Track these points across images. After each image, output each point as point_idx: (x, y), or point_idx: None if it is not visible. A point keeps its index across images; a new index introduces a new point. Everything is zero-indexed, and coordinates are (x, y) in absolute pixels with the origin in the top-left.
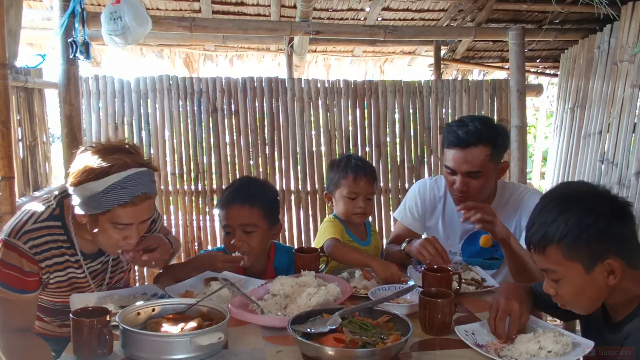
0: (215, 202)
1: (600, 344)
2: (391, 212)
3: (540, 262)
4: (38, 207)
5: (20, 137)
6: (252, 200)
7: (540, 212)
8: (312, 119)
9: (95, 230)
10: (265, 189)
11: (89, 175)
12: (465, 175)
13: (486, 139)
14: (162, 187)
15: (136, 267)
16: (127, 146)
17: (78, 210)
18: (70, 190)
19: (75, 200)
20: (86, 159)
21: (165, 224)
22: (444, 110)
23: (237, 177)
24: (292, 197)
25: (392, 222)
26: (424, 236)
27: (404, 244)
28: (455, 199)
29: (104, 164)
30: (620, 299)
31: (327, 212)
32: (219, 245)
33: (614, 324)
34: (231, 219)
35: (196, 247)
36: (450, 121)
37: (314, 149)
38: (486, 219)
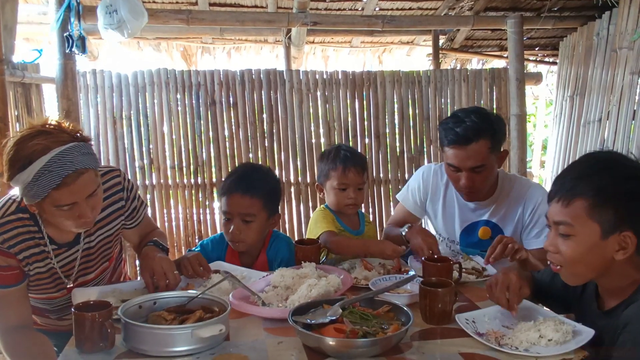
0: (215, 195)
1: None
2: (391, 203)
3: (558, 214)
4: (4, 200)
5: None
6: (253, 191)
7: (581, 164)
8: (311, 110)
9: (49, 216)
10: (268, 178)
11: (15, 167)
12: (469, 171)
13: (485, 132)
14: (162, 181)
15: (137, 262)
16: (47, 126)
17: (25, 202)
18: (12, 185)
19: (17, 192)
20: (10, 151)
21: (149, 213)
22: (442, 100)
23: None
24: (292, 189)
25: (392, 213)
26: (428, 222)
27: (405, 229)
28: (464, 197)
29: (26, 152)
30: (617, 283)
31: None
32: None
33: (607, 310)
34: (231, 207)
35: (197, 240)
36: (444, 118)
37: (313, 140)
38: (517, 247)
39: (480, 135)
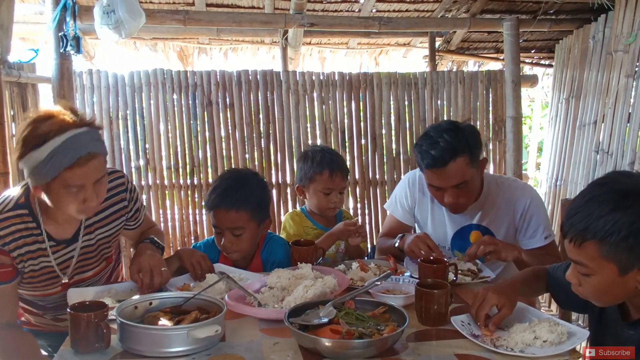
0: None
1: (614, 341)
2: None
3: (572, 254)
4: (3, 197)
5: (14, 133)
6: (238, 205)
7: (589, 201)
8: (307, 111)
9: (54, 199)
10: (253, 189)
11: (30, 144)
12: (453, 189)
13: (461, 150)
14: (158, 182)
15: None
16: (63, 110)
17: (32, 184)
18: (20, 165)
19: (26, 174)
20: (24, 131)
21: (147, 213)
22: (439, 102)
23: None
24: (288, 190)
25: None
26: (417, 229)
27: (397, 240)
28: (449, 210)
29: (42, 131)
30: None
31: None
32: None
33: (632, 321)
34: (219, 222)
35: (192, 241)
36: (418, 140)
37: (310, 141)
38: (489, 250)
39: (456, 153)
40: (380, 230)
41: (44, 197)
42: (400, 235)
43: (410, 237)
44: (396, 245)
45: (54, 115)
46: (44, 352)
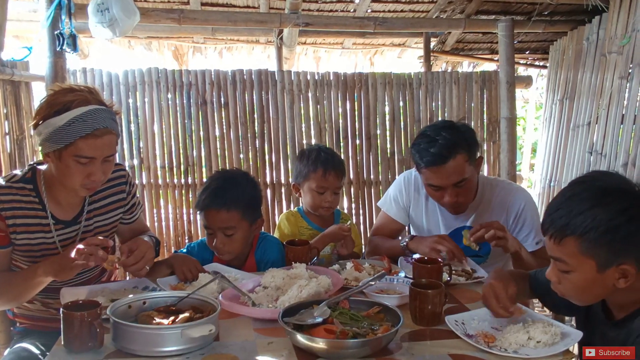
0: None
1: (602, 341)
2: None
3: (552, 250)
4: (11, 172)
5: (7, 131)
6: (228, 204)
7: (569, 199)
8: (302, 111)
9: (62, 169)
10: (243, 188)
11: (51, 110)
12: (452, 188)
13: (460, 146)
14: (152, 181)
15: None
16: (88, 87)
17: (44, 150)
18: (36, 132)
19: (40, 140)
20: (48, 98)
21: (143, 214)
22: (433, 103)
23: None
24: (283, 190)
25: None
26: (411, 229)
27: (405, 240)
28: (449, 210)
29: (66, 100)
30: (627, 298)
31: None
32: None
33: (617, 321)
34: (210, 223)
35: (186, 240)
36: (415, 138)
37: (304, 141)
38: (499, 235)
39: (456, 150)
40: (372, 228)
41: (52, 167)
42: (410, 235)
43: (428, 238)
44: (403, 244)
45: (78, 89)
46: (36, 351)
